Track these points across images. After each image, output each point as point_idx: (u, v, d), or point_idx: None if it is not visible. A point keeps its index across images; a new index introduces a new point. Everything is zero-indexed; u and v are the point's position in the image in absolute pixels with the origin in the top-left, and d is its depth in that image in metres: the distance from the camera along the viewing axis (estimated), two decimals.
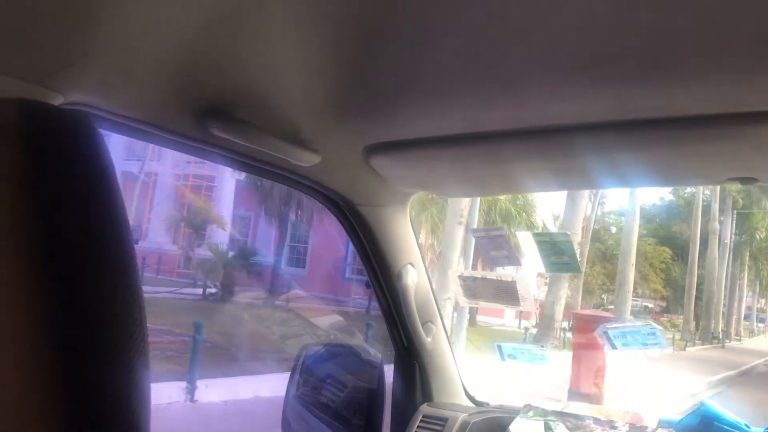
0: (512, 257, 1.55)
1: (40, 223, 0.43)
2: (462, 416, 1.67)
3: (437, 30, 0.89)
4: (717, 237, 28.52)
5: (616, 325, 1.57)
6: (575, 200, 15.12)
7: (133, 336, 0.47)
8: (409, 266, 1.63)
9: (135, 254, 0.49)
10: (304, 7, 0.91)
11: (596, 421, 1.59)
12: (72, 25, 0.79)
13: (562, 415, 1.64)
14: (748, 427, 1.56)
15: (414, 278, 1.63)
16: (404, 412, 1.78)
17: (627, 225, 20.34)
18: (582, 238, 22.85)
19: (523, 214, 18.30)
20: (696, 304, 28.87)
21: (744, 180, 1.14)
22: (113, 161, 0.50)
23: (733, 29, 0.77)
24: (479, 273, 1.68)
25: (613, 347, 1.60)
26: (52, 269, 0.43)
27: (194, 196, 19.80)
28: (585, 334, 8.22)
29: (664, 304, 36.98)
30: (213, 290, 16.08)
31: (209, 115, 1.06)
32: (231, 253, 17.35)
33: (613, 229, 33.78)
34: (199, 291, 16.01)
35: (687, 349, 22.23)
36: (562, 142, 1.15)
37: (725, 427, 1.55)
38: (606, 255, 29.93)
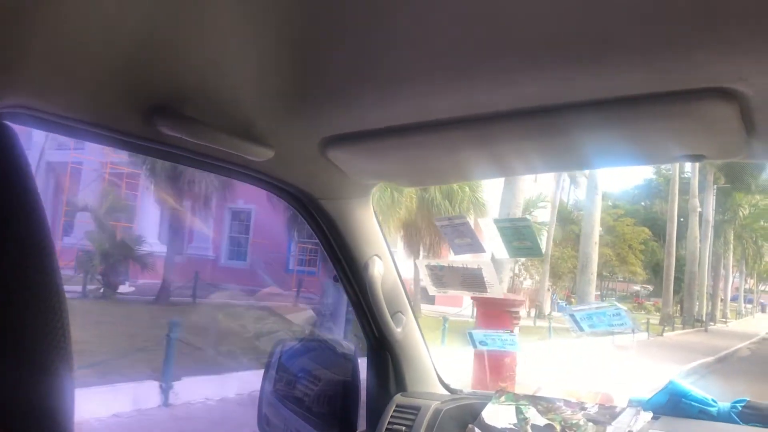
0: (476, 244, 1.56)
1: None
2: (435, 404, 1.68)
3: (387, 18, 0.89)
4: (697, 215, 27.97)
5: (582, 307, 1.58)
6: (512, 181, 14.35)
7: (55, 339, 0.46)
8: (376, 257, 1.63)
9: (55, 256, 0.49)
10: (249, 5, 0.90)
11: (567, 403, 1.61)
12: (5, 26, 0.77)
13: (533, 399, 1.66)
14: (716, 403, 1.59)
15: (380, 269, 1.63)
16: (378, 402, 1.78)
17: (588, 204, 19.94)
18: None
19: (467, 190, 17.73)
20: (679, 286, 28.42)
21: (693, 157, 1.16)
22: (28, 160, 0.49)
23: (673, 6, 0.78)
24: (446, 261, 1.69)
25: (580, 329, 1.62)
26: None
27: (111, 185, 18.43)
28: (488, 321, 6.98)
29: (651, 287, 36.42)
30: (94, 286, 14.52)
31: (157, 114, 1.04)
32: (111, 243, 15.25)
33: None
34: (80, 287, 14.15)
35: (665, 334, 21.66)
36: (513, 127, 1.15)
37: (693, 403, 1.58)
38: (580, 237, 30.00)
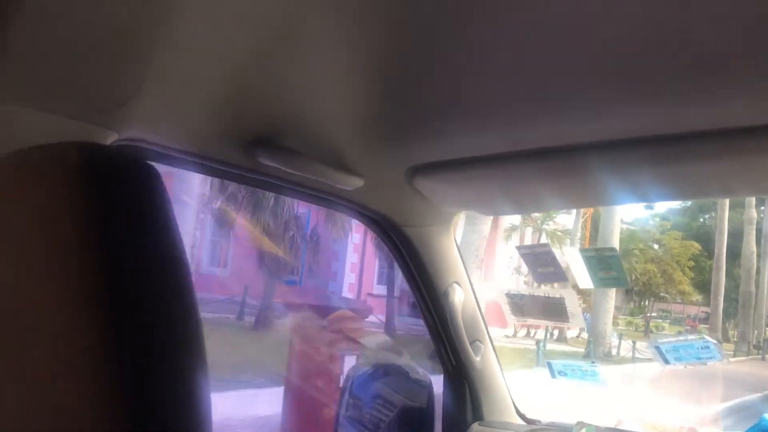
0: (559, 273, 1.54)
1: (102, 258, 0.45)
2: None
3: (478, 49, 0.90)
4: (754, 228, 24.30)
5: (669, 339, 1.55)
6: None
7: (193, 351, 0.49)
8: (456, 285, 1.63)
9: (191, 279, 0.52)
10: (343, 35, 0.92)
11: None
12: (124, 64, 0.81)
13: None
14: None
15: (461, 297, 1.63)
16: (454, 430, 1.77)
17: (605, 219, 17.36)
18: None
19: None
20: (735, 308, 25.42)
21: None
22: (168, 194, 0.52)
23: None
24: (526, 290, 1.67)
25: (666, 362, 1.58)
26: (114, 299, 0.45)
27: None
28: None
29: (709, 309, 33.96)
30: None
31: (256, 145, 1.08)
32: None
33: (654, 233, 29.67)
34: None
35: (710, 362, 19.51)
36: (605, 158, 1.14)
37: None
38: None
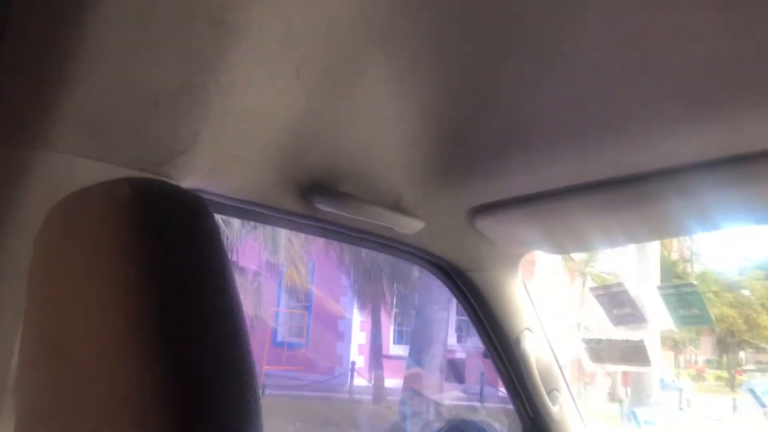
0: (636, 314, 1.47)
1: (151, 289, 0.45)
2: None
3: (534, 84, 0.88)
4: None
5: (763, 380, 1.44)
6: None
7: (245, 398, 0.47)
8: (527, 331, 1.57)
9: (246, 325, 0.51)
10: (396, 81, 0.92)
11: None
12: (182, 114, 0.82)
13: None
14: None
15: (533, 344, 1.56)
16: None
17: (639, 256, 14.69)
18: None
19: None
20: None
21: None
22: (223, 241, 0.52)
23: None
24: (603, 335, 1.60)
25: (763, 405, 1.47)
26: (162, 336, 0.44)
27: None
28: None
29: None
30: None
31: (313, 191, 1.07)
32: None
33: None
34: None
35: None
36: (671, 185, 1.08)
37: None
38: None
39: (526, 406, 1.65)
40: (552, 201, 1.21)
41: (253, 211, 1.11)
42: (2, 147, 0.71)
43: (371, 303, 14.25)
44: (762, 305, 23.18)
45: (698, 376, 19.62)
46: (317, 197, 1.09)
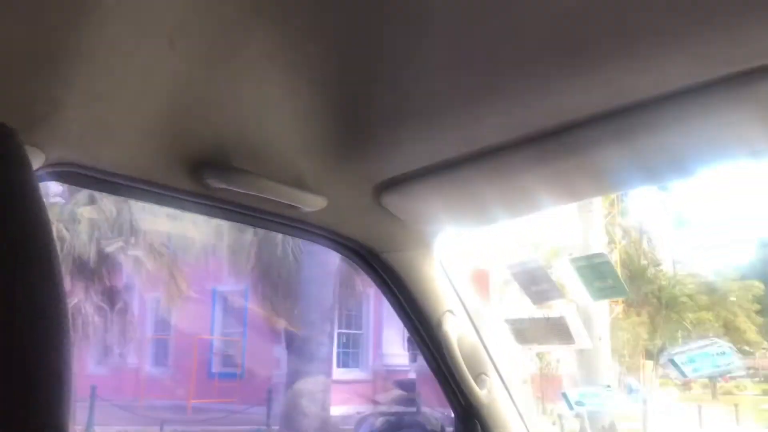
0: (553, 290, 1.46)
1: None
2: None
3: (420, 48, 0.88)
4: None
5: (681, 349, 1.44)
6: None
7: (58, 328, 0.47)
8: (448, 314, 1.55)
9: (58, 256, 0.50)
10: (282, 51, 0.91)
11: None
12: (38, 78, 0.79)
13: None
14: None
15: (455, 326, 1.54)
16: None
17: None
18: None
19: None
20: None
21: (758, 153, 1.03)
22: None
23: None
24: (526, 314, 1.59)
25: (683, 375, 1.46)
26: None
27: None
28: None
29: None
30: None
31: (205, 168, 1.05)
32: None
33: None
34: None
35: None
36: (576, 140, 1.05)
37: None
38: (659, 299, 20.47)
39: (456, 391, 1.62)
40: (454, 170, 1.18)
41: (136, 188, 1.08)
42: None
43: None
44: (739, 306, 22.00)
45: (685, 386, 18.82)
46: (208, 173, 1.06)
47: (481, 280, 14.87)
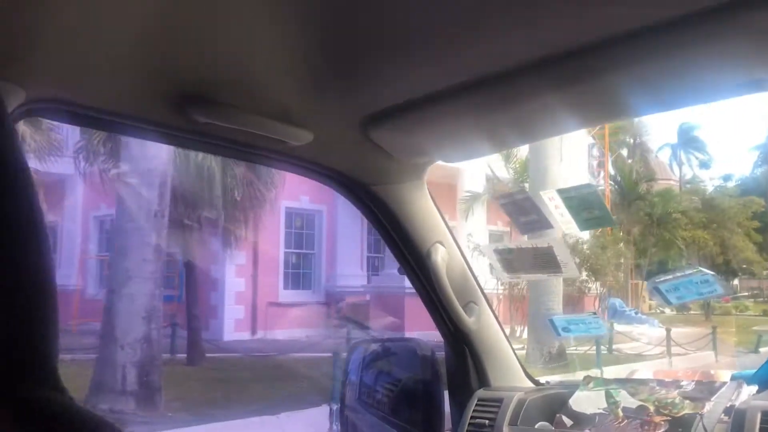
0: (542, 220, 1.47)
1: None
2: (518, 395, 1.58)
3: None
4: None
5: (666, 277, 1.46)
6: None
7: (43, 291, 0.47)
8: (438, 245, 1.56)
9: (43, 218, 0.49)
10: None
11: (660, 383, 1.48)
12: (17, 12, 0.78)
13: (624, 382, 1.54)
14: None
15: (444, 257, 1.56)
16: (461, 399, 1.71)
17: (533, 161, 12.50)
18: None
19: None
20: None
21: (757, 84, 1.01)
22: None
23: None
24: (513, 244, 1.60)
25: (669, 302, 1.49)
26: None
27: None
28: None
29: None
30: None
31: (189, 102, 1.04)
32: None
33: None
34: None
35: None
36: (573, 67, 1.02)
37: None
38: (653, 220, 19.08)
39: (445, 319, 1.66)
40: (440, 102, 1.16)
41: (122, 124, 1.08)
42: None
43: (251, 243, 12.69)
44: (738, 224, 21.09)
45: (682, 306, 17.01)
46: (193, 108, 1.05)
47: (448, 195, 14.38)
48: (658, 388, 1.46)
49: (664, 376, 1.54)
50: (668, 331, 12.47)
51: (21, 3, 0.78)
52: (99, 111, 1.03)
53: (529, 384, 1.79)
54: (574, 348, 11.31)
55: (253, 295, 14.27)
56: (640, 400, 1.43)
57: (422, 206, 1.55)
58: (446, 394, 1.73)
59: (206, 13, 0.90)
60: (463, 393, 1.71)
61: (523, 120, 1.25)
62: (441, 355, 1.76)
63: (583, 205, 1.39)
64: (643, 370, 1.64)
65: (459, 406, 1.71)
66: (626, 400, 1.46)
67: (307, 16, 0.95)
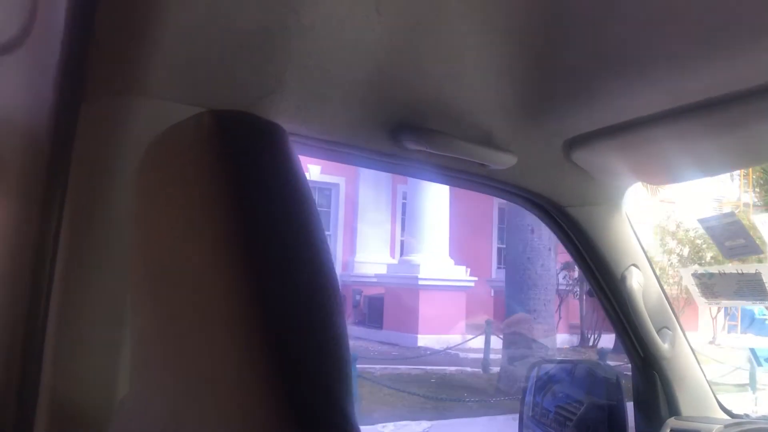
0: (751, 245, 1.39)
1: (239, 219, 0.47)
2: (716, 427, 1.51)
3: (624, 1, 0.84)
4: None
5: None
6: None
7: (332, 329, 0.48)
8: (633, 268, 1.52)
9: (329, 254, 0.51)
10: (482, 14, 0.90)
11: None
12: (265, 55, 0.85)
13: None
14: None
15: (640, 280, 1.52)
16: (649, 428, 1.65)
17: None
18: None
19: None
20: None
21: None
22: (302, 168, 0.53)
23: None
24: (716, 268, 1.53)
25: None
26: (251, 263, 0.46)
27: None
28: None
29: None
30: None
31: (401, 130, 1.09)
32: None
33: None
34: None
35: None
36: None
37: None
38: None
39: (636, 344, 1.61)
40: (652, 126, 1.14)
41: (340, 152, 1.15)
42: (100, 94, 0.77)
43: None
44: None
45: None
46: (405, 135, 1.10)
47: None
48: None
49: None
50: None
51: (267, 45, 0.85)
52: (321, 141, 1.10)
53: (723, 415, 1.70)
54: None
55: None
56: None
57: (619, 228, 1.52)
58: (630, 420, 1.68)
59: (424, 44, 0.93)
60: (651, 420, 1.65)
61: (739, 147, 1.20)
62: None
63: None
64: None
65: None
66: None
67: (517, 43, 0.96)
